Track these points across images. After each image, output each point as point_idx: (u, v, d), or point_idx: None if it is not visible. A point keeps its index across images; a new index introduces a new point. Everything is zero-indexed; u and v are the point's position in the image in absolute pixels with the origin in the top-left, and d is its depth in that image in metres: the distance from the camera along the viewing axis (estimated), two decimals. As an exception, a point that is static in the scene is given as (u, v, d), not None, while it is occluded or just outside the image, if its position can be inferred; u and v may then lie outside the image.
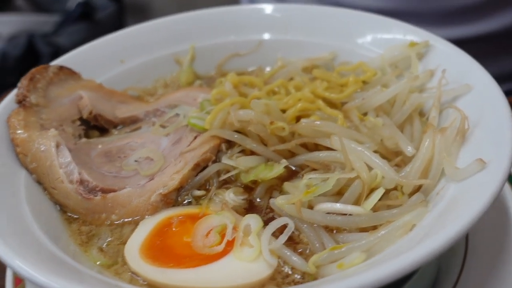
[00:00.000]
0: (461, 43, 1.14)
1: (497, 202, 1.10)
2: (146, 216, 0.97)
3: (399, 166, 1.00)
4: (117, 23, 3.38)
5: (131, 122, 1.19)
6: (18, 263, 0.77)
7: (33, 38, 3.11)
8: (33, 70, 1.12)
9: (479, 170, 0.84)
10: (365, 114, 1.08)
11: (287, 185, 0.97)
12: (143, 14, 3.93)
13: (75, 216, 0.99)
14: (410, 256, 0.68)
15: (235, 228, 0.91)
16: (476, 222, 0.73)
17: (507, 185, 1.13)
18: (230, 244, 0.89)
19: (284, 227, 0.88)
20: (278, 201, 0.91)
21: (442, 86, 1.06)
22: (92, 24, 3.35)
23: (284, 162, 1.01)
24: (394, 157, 1.02)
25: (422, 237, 0.76)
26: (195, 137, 1.07)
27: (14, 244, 0.82)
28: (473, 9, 1.79)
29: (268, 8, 1.39)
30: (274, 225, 0.88)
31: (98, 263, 0.91)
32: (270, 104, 1.05)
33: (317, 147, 1.06)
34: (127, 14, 3.68)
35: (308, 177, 0.95)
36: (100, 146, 1.10)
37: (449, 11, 1.79)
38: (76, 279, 0.78)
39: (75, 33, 3.28)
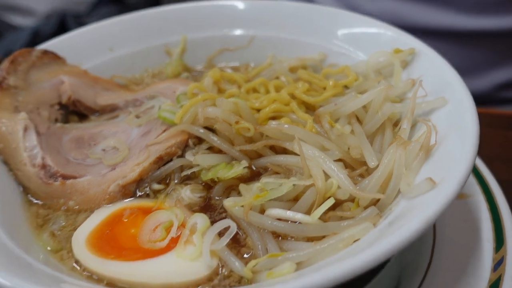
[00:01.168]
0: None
1: (468, 205, 1.08)
2: (103, 206, 0.98)
3: (363, 177, 0.97)
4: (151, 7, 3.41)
5: (111, 110, 1.21)
6: None
7: (65, 18, 3.18)
8: (16, 52, 1.14)
9: (429, 190, 0.80)
10: (338, 120, 1.05)
11: (242, 187, 0.96)
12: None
13: (35, 201, 1.01)
14: (334, 269, 0.67)
15: (182, 225, 0.90)
16: (407, 243, 0.70)
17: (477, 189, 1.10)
18: (175, 241, 0.88)
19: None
20: (226, 203, 0.91)
21: (421, 97, 1.03)
22: (124, 7, 3.40)
23: (244, 163, 0.99)
24: (360, 167, 0.99)
25: (355, 251, 0.74)
26: (164, 131, 1.07)
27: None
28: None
29: (263, 4, 1.37)
30: (218, 226, 0.87)
31: (48, 248, 0.92)
32: (239, 103, 1.04)
33: (285, 151, 1.04)
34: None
35: (263, 181, 0.94)
36: (73, 131, 1.12)
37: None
38: (23, 275, 0.77)
39: (106, 15, 3.32)
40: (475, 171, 1.16)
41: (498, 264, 0.96)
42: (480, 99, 1.77)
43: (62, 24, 3.19)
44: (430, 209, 0.74)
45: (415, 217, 0.74)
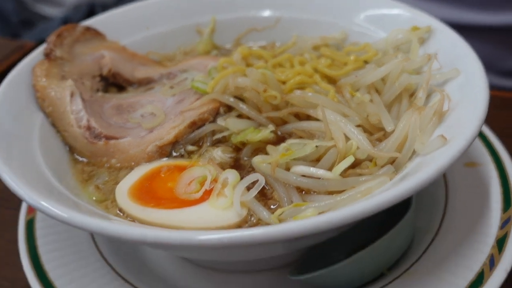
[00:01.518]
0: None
1: (479, 173, 1.15)
2: (142, 164, 1.07)
3: (380, 141, 1.05)
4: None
5: (147, 83, 1.30)
6: (28, 194, 0.85)
7: (94, 8, 3.30)
8: (62, 27, 1.25)
9: (440, 146, 0.88)
10: (358, 90, 1.13)
11: (269, 148, 1.04)
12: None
13: (81, 159, 1.11)
14: (344, 211, 0.75)
15: (215, 180, 1.00)
16: (417, 190, 0.78)
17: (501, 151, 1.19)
18: (208, 193, 0.97)
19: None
20: (255, 160, 1.00)
21: (436, 69, 1.10)
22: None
23: (271, 127, 1.08)
24: (377, 132, 1.07)
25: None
26: (197, 99, 1.16)
27: (22, 175, 0.94)
28: None
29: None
30: (248, 179, 0.96)
31: (93, 198, 1.03)
32: (266, 73, 1.13)
33: (308, 118, 1.13)
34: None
35: (289, 142, 1.03)
36: (113, 100, 1.22)
37: None
38: (77, 211, 0.88)
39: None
40: (487, 143, 1.23)
41: (505, 222, 1.03)
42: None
43: (90, 14, 3.32)
44: (441, 161, 0.82)
45: (426, 168, 0.82)
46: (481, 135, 1.26)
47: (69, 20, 3.27)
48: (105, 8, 3.36)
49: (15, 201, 1.31)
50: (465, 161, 1.21)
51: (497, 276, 0.94)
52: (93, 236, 1.14)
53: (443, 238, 1.05)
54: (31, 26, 3.42)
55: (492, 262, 0.97)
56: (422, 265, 1.01)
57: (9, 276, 1.16)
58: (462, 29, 1.53)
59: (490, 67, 1.90)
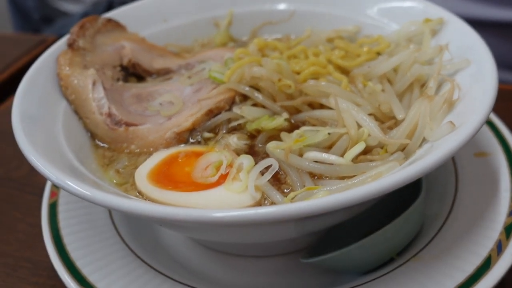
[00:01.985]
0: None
1: (489, 162, 1.18)
2: (160, 149, 1.12)
3: (391, 129, 1.08)
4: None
5: (165, 73, 1.35)
6: (54, 173, 0.89)
7: (112, 4, 3.36)
8: (84, 19, 1.29)
9: (449, 132, 0.91)
10: (370, 80, 1.16)
11: (283, 134, 1.07)
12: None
13: (102, 144, 1.16)
14: (354, 191, 0.78)
15: (230, 165, 1.03)
16: (424, 173, 0.81)
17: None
18: (223, 178, 1.01)
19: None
20: (269, 146, 1.03)
21: (447, 60, 1.13)
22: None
23: (285, 115, 1.12)
24: (389, 121, 1.10)
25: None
26: (213, 88, 1.20)
27: (48, 157, 0.98)
28: None
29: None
30: (262, 164, 0.99)
31: (114, 181, 1.07)
32: (281, 64, 1.16)
33: (322, 107, 1.16)
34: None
35: (302, 129, 1.06)
36: (133, 89, 1.26)
37: None
38: (99, 189, 0.92)
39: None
40: (497, 133, 1.25)
41: (514, 210, 1.06)
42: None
43: (109, 10, 3.37)
44: (448, 146, 0.84)
45: (434, 152, 0.84)
46: (491, 125, 1.28)
47: (89, 15, 3.33)
48: (123, 3, 3.42)
49: (37, 187, 1.37)
50: (475, 151, 1.23)
51: (504, 261, 0.96)
52: (113, 219, 1.19)
53: (452, 225, 1.08)
54: (51, 22, 3.49)
55: (499, 248, 0.99)
56: (430, 251, 1.03)
57: (32, 258, 1.21)
58: (478, 24, 1.55)
59: (507, 63, 1.91)
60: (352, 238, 1.07)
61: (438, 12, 1.25)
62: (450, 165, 1.22)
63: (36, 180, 1.41)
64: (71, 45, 1.24)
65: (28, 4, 3.41)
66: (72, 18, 3.31)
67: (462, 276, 0.96)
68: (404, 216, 1.02)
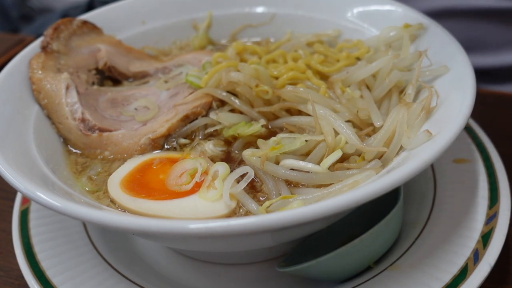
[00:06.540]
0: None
1: (468, 169, 1.18)
2: (134, 156, 1.09)
3: (369, 136, 1.07)
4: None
5: (142, 76, 1.32)
6: (23, 183, 0.87)
7: (93, 4, 3.32)
8: (59, 21, 1.26)
9: (426, 141, 0.90)
10: (349, 87, 1.15)
11: (260, 141, 1.06)
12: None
13: (74, 150, 1.13)
14: (330, 202, 0.77)
15: (206, 172, 1.01)
16: (400, 183, 0.80)
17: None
18: (198, 186, 0.99)
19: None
20: (245, 153, 1.01)
21: (426, 66, 1.12)
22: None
23: (262, 121, 1.10)
24: (367, 128, 1.08)
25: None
26: (190, 93, 1.18)
27: (17, 165, 0.95)
28: None
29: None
30: (237, 172, 0.97)
31: (86, 188, 1.04)
32: (259, 69, 1.14)
33: (300, 113, 1.15)
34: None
35: (279, 136, 1.05)
36: (108, 94, 1.24)
37: None
38: (69, 200, 0.89)
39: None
40: (477, 140, 1.25)
41: (491, 218, 1.05)
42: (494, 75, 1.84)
43: (90, 8, 3.33)
44: (425, 155, 0.83)
45: (410, 162, 0.83)
46: (470, 131, 1.27)
47: (68, 14, 3.28)
48: (104, 2, 3.38)
49: (10, 192, 1.33)
50: (454, 158, 1.22)
51: (481, 271, 0.96)
52: (86, 227, 1.16)
53: (430, 232, 1.07)
54: (30, 21, 3.43)
55: (476, 257, 0.99)
56: (407, 259, 1.03)
57: (4, 265, 1.18)
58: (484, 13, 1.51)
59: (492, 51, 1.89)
60: (330, 245, 1.06)
61: (417, 17, 1.24)
62: (429, 172, 1.22)
63: (9, 184, 1.38)
64: (44, 48, 1.21)
65: (6, 1, 3.35)
66: (52, 16, 3.26)
67: (438, 285, 0.95)
68: (382, 224, 1.01)
